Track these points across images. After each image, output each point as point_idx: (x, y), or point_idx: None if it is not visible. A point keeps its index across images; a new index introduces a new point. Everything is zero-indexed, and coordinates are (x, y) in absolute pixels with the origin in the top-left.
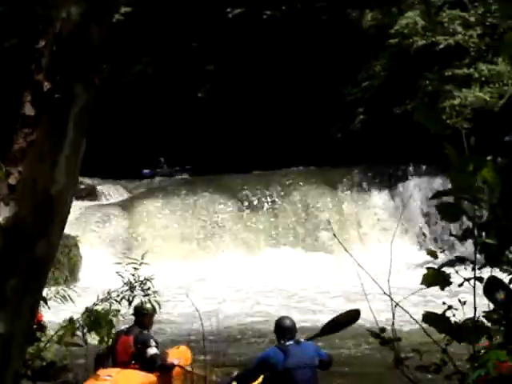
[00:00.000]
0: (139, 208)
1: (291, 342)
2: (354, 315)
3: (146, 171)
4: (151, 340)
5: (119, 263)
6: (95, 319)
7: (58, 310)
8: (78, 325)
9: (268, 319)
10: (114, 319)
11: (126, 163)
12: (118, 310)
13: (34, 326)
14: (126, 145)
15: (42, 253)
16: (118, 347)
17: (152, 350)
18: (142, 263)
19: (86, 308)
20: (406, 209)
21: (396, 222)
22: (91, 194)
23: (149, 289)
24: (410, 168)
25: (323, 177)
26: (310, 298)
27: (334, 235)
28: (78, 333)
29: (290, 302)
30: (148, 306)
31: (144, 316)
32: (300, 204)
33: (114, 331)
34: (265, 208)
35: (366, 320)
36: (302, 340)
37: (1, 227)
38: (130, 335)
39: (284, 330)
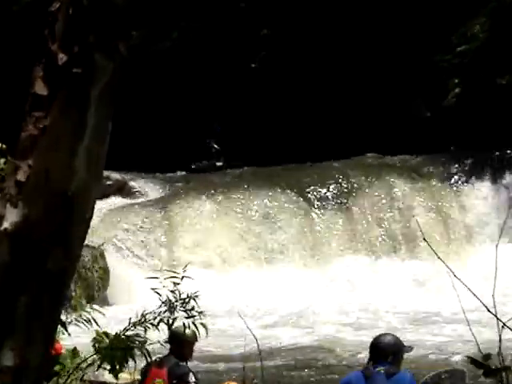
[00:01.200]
0: (181, 209)
1: (381, 369)
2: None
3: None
4: (190, 374)
5: (155, 277)
6: (110, 347)
7: (80, 336)
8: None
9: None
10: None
11: (164, 153)
12: (145, 342)
13: (51, 358)
14: (163, 130)
15: (58, 265)
16: (148, 383)
17: None
18: (184, 277)
19: (116, 334)
20: None
21: (502, 221)
22: (120, 192)
23: (193, 309)
24: None
25: (408, 167)
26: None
27: (424, 239)
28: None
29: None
30: (187, 330)
31: (182, 344)
32: (382, 201)
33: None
34: (338, 207)
35: (464, 342)
36: (400, 370)
37: (7, 234)
38: (163, 367)
39: (375, 350)
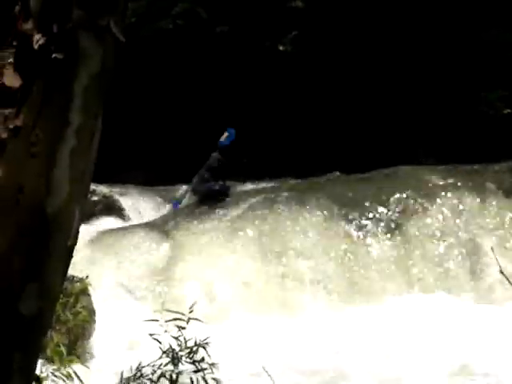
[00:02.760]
0: (186, 232)
1: None
2: None
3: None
4: None
5: (154, 320)
6: None
7: None
8: None
9: None
10: None
11: (165, 161)
12: None
13: None
14: (165, 131)
15: (32, 308)
16: None
17: None
18: (190, 319)
19: None
20: None
21: None
22: (109, 211)
23: (202, 360)
24: None
25: (478, 179)
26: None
27: (502, 272)
28: None
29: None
30: None
31: None
32: (446, 224)
33: None
34: (387, 231)
35: None
36: None
37: None
38: None
39: None
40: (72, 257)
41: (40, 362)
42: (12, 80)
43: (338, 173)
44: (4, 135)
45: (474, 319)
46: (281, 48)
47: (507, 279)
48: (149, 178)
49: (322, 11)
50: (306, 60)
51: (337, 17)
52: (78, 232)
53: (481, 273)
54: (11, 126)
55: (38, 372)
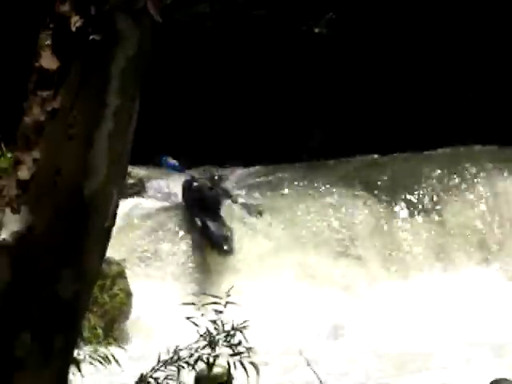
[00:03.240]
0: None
1: None
2: None
3: (170, 162)
4: None
5: (191, 304)
6: None
7: (97, 377)
8: None
9: None
10: None
11: (199, 144)
12: None
13: None
14: (200, 115)
15: (71, 290)
16: None
17: None
18: (228, 303)
19: (141, 376)
20: None
21: None
22: (146, 193)
23: (239, 344)
24: None
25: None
26: None
27: None
28: None
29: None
30: (217, 369)
31: None
32: (486, 203)
33: None
34: (427, 211)
35: None
36: None
37: (6, 248)
38: None
39: None
40: (109, 239)
41: (78, 344)
42: (50, 62)
43: (375, 155)
44: (42, 117)
45: None
46: (316, 30)
47: None
48: (184, 161)
49: None
50: (341, 42)
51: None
52: (115, 214)
53: None
54: (49, 109)
55: (75, 354)
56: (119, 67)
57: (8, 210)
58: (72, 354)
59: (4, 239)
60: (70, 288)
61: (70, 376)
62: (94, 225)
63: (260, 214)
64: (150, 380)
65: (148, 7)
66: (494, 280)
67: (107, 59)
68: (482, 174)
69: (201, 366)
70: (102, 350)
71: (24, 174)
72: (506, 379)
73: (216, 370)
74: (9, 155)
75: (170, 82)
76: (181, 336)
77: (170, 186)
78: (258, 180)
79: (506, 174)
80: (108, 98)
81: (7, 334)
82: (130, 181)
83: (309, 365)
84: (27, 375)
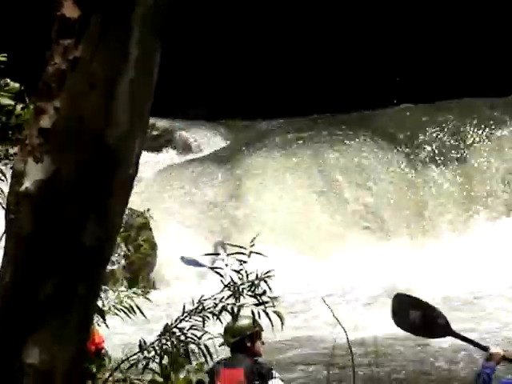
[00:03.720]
0: (247, 165)
1: None
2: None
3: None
4: (274, 371)
5: (216, 254)
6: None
7: (121, 327)
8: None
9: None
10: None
11: (225, 97)
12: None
13: (87, 356)
14: (226, 68)
15: (94, 238)
16: None
17: (277, 383)
18: (252, 252)
19: (166, 326)
20: None
21: None
22: (169, 145)
23: (264, 293)
24: None
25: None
26: None
27: None
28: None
29: None
30: (245, 320)
31: (252, 337)
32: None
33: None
34: (449, 163)
35: None
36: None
37: (29, 196)
38: (236, 367)
39: None
40: (132, 188)
41: (102, 295)
42: (71, 11)
43: (408, 104)
44: (63, 66)
45: None
46: None
47: None
48: (210, 114)
49: None
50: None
51: None
52: (137, 164)
53: None
54: (70, 57)
55: (100, 304)
56: (139, 18)
57: (30, 160)
58: (95, 302)
59: (27, 188)
60: (93, 235)
61: (96, 326)
62: (117, 173)
63: None
64: (175, 330)
65: None
66: None
67: (127, 9)
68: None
69: (226, 315)
70: (127, 300)
71: (45, 122)
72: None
73: (243, 321)
74: (31, 107)
75: (196, 34)
76: (205, 286)
77: (195, 138)
78: (252, 135)
79: None
80: (129, 48)
81: (31, 282)
82: (154, 132)
83: (331, 311)
84: (50, 322)
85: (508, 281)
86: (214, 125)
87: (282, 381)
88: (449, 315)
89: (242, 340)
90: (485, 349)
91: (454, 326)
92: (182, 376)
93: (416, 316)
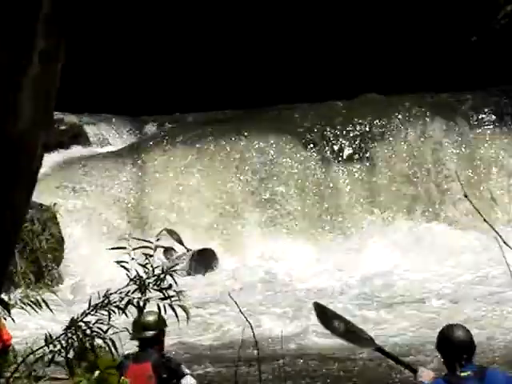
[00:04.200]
0: (154, 160)
1: (469, 372)
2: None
3: None
4: (183, 366)
5: (122, 248)
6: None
7: (28, 322)
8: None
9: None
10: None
11: (133, 89)
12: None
13: None
14: (135, 63)
15: None
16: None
17: (191, 381)
18: (158, 247)
19: (72, 320)
20: None
21: None
22: (76, 139)
23: (170, 287)
24: None
25: (444, 106)
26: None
27: (466, 196)
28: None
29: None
30: (151, 317)
31: (160, 333)
32: (409, 150)
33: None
34: (356, 159)
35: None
36: (489, 368)
37: None
38: (143, 362)
39: (457, 348)
40: (36, 180)
41: (6, 289)
42: None
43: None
44: None
45: None
46: None
47: (470, 202)
48: (118, 108)
49: None
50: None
51: None
52: (42, 156)
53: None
54: None
55: (5, 298)
56: (43, 15)
57: None
58: None
59: None
60: None
61: (2, 320)
62: (21, 165)
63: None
64: (81, 324)
65: None
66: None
67: (32, 6)
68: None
69: (132, 309)
70: (34, 294)
71: None
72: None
73: (153, 316)
74: None
75: (101, 31)
76: (112, 280)
77: (103, 132)
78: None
79: (435, 123)
80: (34, 44)
81: None
82: (62, 127)
83: (238, 307)
84: None
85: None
86: (121, 120)
87: (193, 376)
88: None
89: (157, 334)
90: (413, 371)
91: None
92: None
93: (340, 325)
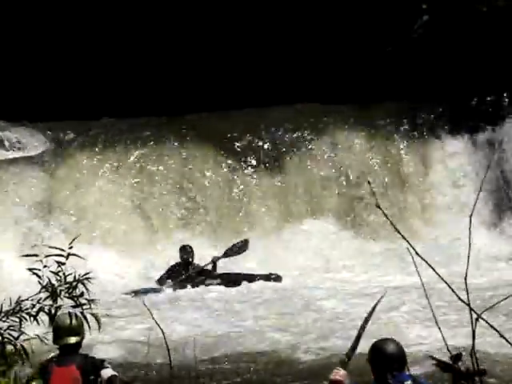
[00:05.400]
0: (69, 166)
1: (409, 382)
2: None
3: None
4: (106, 362)
5: (34, 255)
6: None
7: None
8: None
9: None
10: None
11: (51, 94)
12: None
13: None
14: (52, 61)
15: None
16: None
17: (110, 372)
18: (70, 254)
19: None
20: (497, 166)
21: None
22: None
23: (82, 295)
24: (506, 101)
25: (360, 116)
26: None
27: (378, 207)
28: None
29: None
30: (72, 321)
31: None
32: (325, 157)
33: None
34: (270, 165)
35: (431, 344)
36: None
37: None
38: (68, 365)
39: (389, 358)
40: None
41: None
42: None
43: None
44: None
45: None
46: None
47: (384, 213)
48: (35, 114)
49: None
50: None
51: None
52: None
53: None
54: None
55: None
56: None
57: None
58: None
59: None
60: None
61: None
62: None
63: None
64: None
65: None
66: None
67: None
68: (318, 131)
69: (43, 316)
70: None
71: None
72: None
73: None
74: None
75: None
76: (24, 288)
77: (18, 138)
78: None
79: (351, 132)
80: None
81: None
82: None
83: (151, 315)
84: None
85: None
86: (38, 125)
87: (113, 369)
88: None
89: (81, 338)
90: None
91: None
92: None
93: None
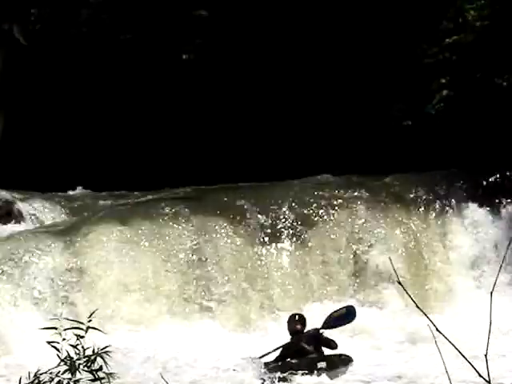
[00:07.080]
0: (88, 238)
1: None
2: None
3: None
4: None
5: (52, 328)
6: None
7: None
8: None
9: None
10: None
11: (64, 167)
12: None
13: None
14: (63, 136)
15: None
16: None
17: None
18: (89, 328)
19: None
20: None
21: (498, 262)
22: (8, 216)
23: (100, 369)
24: None
25: (379, 190)
26: None
27: (399, 283)
28: None
29: None
30: None
31: None
32: (342, 234)
33: None
34: (287, 240)
35: None
36: None
37: None
38: None
39: None
40: None
41: None
42: None
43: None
44: None
45: None
46: (184, 57)
47: (404, 289)
48: (48, 184)
49: (226, 20)
50: (207, 68)
51: (240, 25)
52: None
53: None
54: None
55: None
56: None
57: None
58: None
59: None
60: None
61: None
62: None
63: None
64: None
65: (14, 31)
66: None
67: None
68: (342, 205)
69: None
70: None
71: None
72: None
73: None
74: None
75: (37, 101)
76: (43, 360)
77: (35, 208)
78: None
79: (368, 206)
80: None
81: None
82: None
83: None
84: None
85: None
86: (52, 196)
87: None
88: None
89: None
90: None
91: None
92: None
93: None
